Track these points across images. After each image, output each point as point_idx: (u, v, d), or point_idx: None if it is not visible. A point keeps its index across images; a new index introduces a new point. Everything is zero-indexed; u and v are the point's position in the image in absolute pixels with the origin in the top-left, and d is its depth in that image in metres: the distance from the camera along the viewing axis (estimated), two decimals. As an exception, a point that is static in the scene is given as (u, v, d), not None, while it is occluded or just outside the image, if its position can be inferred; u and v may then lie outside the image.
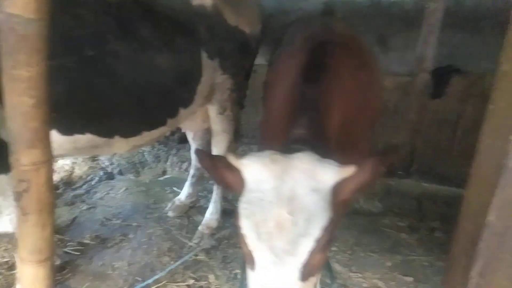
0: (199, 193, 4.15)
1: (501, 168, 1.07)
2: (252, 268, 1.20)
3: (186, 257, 2.61)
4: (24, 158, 1.48)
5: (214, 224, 3.49)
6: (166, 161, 5.11)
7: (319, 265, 1.22)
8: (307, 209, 1.15)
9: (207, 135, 3.42)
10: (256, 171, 1.25)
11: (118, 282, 2.93)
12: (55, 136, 2.16)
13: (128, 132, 2.42)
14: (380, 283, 3.02)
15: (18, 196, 1.57)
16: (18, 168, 1.50)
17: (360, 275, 3.10)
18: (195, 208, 4.01)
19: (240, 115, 3.24)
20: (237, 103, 3.00)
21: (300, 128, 1.52)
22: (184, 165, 4.90)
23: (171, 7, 2.37)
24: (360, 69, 2.13)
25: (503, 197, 1.09)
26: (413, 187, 4.72)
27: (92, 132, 2.28)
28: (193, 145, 3.71)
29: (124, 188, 4.41)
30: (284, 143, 1.48)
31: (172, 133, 5.44)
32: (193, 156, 3.84)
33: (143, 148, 5.25)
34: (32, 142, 1.45)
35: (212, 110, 2.94)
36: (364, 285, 3.00)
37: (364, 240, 3.56)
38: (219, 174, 1.34)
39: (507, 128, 1.05)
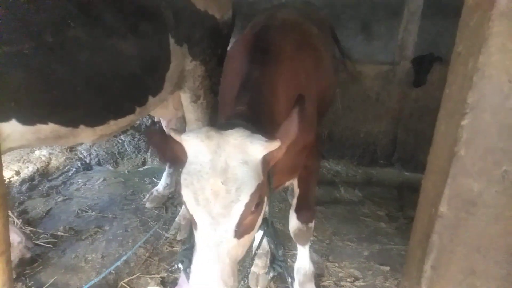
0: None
1: (453, 157, 1.02)
2: (195, 228, 1.40)
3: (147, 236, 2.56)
4: (-34, 148, 1.39)
5: (191, 215, 3.43)
6: (146, 152, 5.02)
7: (251, 225, 1.44)
8: (238, 179, 1.33)
9: (182, 124, 3.34)
10: (195, 145, 1.41)
11: (90, 275, 2.87)
12: (15, 126, 2.08)
13: (94, 121, 2.32)
14: (356, 273, 3.01)
15: (-35, 189, 1.50)
16: (-39, 159, 1.41)
17: (337, 264, 3.09)
18: (173, 198, 3.95)
19: (216, 103, 3.15)
20: (211, 90, 2.91)
21: (242, 105, 1.68)
22: (165, 155, 4.82)
23: (136, -9, 2.27)
24: (301, 50, 2.24)
25: (455, 187, 1.04)
26: (394, 176, 4.73)
27: (55, 122, 2.18)
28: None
29: (101, 179, 4.34)
30: (226, 118, 1.66)
31: (154, 123, 5.34)
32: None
33: (123, 138, 5.15)
34: (-26, 132, 1.37)
35: (185, 98, 2.85)
36: (341, 274, 2.98)
37: (343, 229, 3.55)
38: (169, 148, 1.49)
39: (459, 114, 1.00)
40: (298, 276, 2.71)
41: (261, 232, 1.95)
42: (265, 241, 2.75)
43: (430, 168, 1.22)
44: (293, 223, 2.48)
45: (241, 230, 1.39)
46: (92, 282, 2.41)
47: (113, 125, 2.43)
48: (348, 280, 2.92)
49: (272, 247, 2.30)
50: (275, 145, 1.40)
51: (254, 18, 2.90)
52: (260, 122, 1.62)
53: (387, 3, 5.64)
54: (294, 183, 2.42)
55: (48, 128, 2.18)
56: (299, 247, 2.71)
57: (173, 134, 1.46)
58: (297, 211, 2.47)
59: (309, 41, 2.47)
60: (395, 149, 4.94)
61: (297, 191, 2.43)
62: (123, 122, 2.47)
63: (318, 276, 2.93)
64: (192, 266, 1.39)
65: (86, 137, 2.40)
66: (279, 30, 2.23)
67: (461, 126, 0.99)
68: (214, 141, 1.38)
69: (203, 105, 2.90)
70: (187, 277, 1.45)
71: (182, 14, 2.49)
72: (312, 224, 2.55)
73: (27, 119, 2.09)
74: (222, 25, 2.81)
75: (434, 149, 1.19)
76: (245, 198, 1.33)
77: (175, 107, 3.02)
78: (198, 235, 1.39)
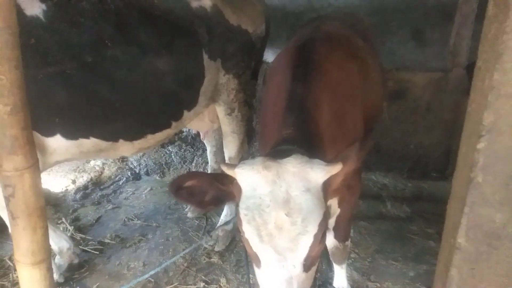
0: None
1: (469, 183, 0.91)
2: (258, 266, 1.32)
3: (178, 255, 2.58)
4: (6, 164, 1.52)
5: (229, 226, 3.45)
6: (191, 162, 5.16)
7: (318, 256, 1.35)
8: (303, 209, 1.25)
9: (220, 136, 3.39)
10: (251, 178, 1.33)
11: (131, 282, 2.97)
12: (60, 141, 2.24)
13: (133, 135, 2.44)
14: (399, 294, 2.83)
15: (7, 201, 1.63)
16: (2, 173, 1.54)
17: (378, 285, 2.93)
18: (214, 209, 3.99)
19: (253, 115, 3.17)
20: (245, 103, 2.93)
21: (289, 128, 1.60)
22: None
23: (170, 11, 2.35)
24: (346, 63, 2.15)
25: (473, 217, 0.92)
26: (447, 191, 4.38)
27: (96, 136, 2.32)
28: (207, 145, 3.70)
29: (148, 189, 4.51)
30: (275, 144, 1.58)
31: (199, 134, 5.49)
32: (209, 157, 3.83)
33: (170, 149, 5.35)
34: (12, 149, 1.49)
35: (220, 111, 2.90)
36: (382, 295, 2.83)
37: (387, 247, 3.35)
38: (218, 187, 1.44)
39: (476, 136, 0.89)
40: None
41: None
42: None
43: (452, 194, 1.11)
44: (330, 241, 2.43)
45: (309, 263, 1.30)
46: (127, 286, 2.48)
47: (151, 139, 2.53)
48: (390, 302, 2.75)
49: (323, 268, 2.24)
50: (337, 168, 1.31)
51: (298, 30, 2.87)
52: (308, 144, 1.56)
53: (440, 7, 5.33)
54: (333, 202, 2.28)
55: (90, 142, 2.32)
56: (336, 266, 2.65)
57: (225, 169, 1.40)
58: (335, 230, 2.41)
59: (355, 53, 2.38)
60: (449, 162, 4.60)
61: (337, 211, 2.32)
62: (160, 136, 2.56)
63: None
64: None
65: (125, 151, 2.53)
66: (323, 43, 2.16)
67: (477, 150, 0.88)
68: (273, 171, 1.30)
69: (238, 117, 2.94)
70: None
71: (215, 30, 2.55)
72: (348, 242, 2.52)
73: (71, 134, 2.24)
74: (255, 39, 2.83)
75: (456, 173, 1.08)
76: (313, 228, 1.25)
77: (211, 119, 3.09)
78: (264, 274, 1.31)
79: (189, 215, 3.87)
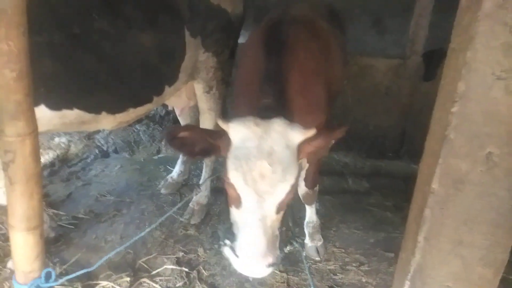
0: (192, 172, 4.24)
1: (443, 140, 1.15)
2: (238, 207, 1.62)
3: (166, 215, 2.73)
4: (8, 129, 1.56)
5: (204, 201, 3.59)
6: (160, 140, 5.18)
7: (287, 202, 1.67)
8: (283, 162, 1.54)
9: (195, 113, 3.49)
10: (242, 132, 1.61)
11: (110, 253, 3.03)
12: (44, 111, 2.23)
13: (115, 108, 2.48)
14: (362, 258, 3.13)
15: (6, 166, 1.67)
16: (3, 139, 1.58)
17: (343, 250, 3.21)
18: (187, 185, 4.09)
19: (227, 93, 3.29)
20: (223, 81, 3.06)
21: (267, 97, 1.88)
22: (179, 145, 4.97)
23: (155, -14, 2.41)
24: (312, 43, 2.44)
25: (445, 167, 1.19)
26: (402, 169, 4.80)
27: (80, 108, 2.34)
28: (182, 122, 3.78)
29: (118, 166, 4.49)
30: (257, 109, 1.83)
31: (168, 113, 5.50)
32: (184, 135, 3.90)
33: (138, 127, 5.32)
34: (15, 114, 1.53)
35: (199, 88, 3.00)
36: (347, 259, 3.11)
37: (350, 218, 3.66)
38: (201, 141, 1.71)
39: (450, 102, 1.13)
40: (307, 229, 3.12)
41: None
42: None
43: (425, 152, 1.36)
44: (302, 188, 2.85)
45: (281, 207, 1.61)
46: (111, 254, 2.55)
47: (132, 113, 2.59)
48: (354, 265, 3.04)
49: (291, 225, 2.69)
50: (311, 132, 1.62)
51: (268, 13, 3.05)
52: (284, 111, 1.82)
53: (399, -3, 5.66)
54: (303, 160, 2.68)
55: (73, 114, 2.34)
56: (307, 207, 3.09)
57: (220, 123, 1.67)
58: (305, 180, 2.83)
59: (319, 34, 2.64)
60: (404, 142, 5.01)
61: (306, 165, 2.71)
62: (141, 110, 2.62)
63: (324, 260, 3.07)
64: (240, 240, 1.59)
65: (107, 124, 2.56)
66: (292, 25, 2.41)
67: (451, 113, 1.13)
68: (261, 128, 1.59)
69: (215, 95, 3.06)
70: (234, 252, 1.62)
71: (196, 8, 2.65)
72: (316, 188, 2.97)
73: (54, 105, 2.25)
74: (233, 18, 2.95)
75: (430, 135, 1.33)
76: (291, 178, 1.56)
77: (188, 96, 3.18)
78: (244, 212, 1.59)
79: (163, 191, 3.93)
